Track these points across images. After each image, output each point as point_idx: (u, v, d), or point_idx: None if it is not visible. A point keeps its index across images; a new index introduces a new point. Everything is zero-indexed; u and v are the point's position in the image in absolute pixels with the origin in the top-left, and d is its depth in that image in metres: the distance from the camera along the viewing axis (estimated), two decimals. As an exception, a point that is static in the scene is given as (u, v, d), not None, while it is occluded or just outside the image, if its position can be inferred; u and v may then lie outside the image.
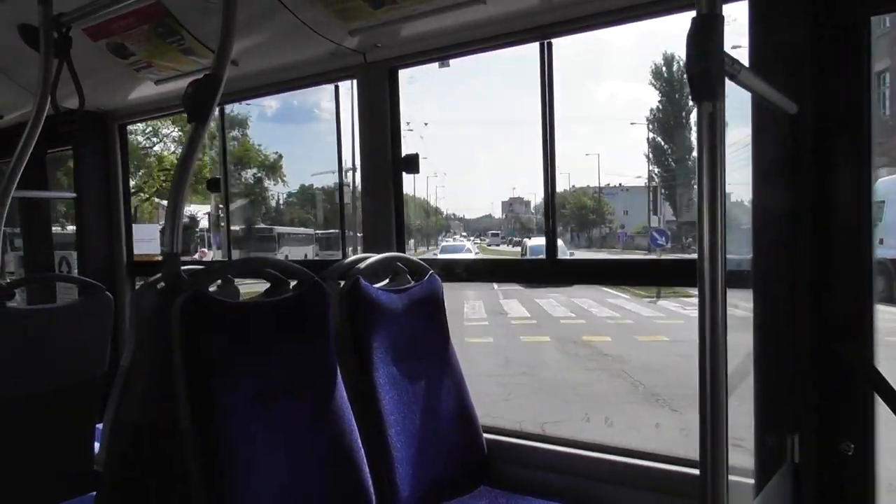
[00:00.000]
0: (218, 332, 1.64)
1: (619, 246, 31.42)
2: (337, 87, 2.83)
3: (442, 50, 2.48)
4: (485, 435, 2.31)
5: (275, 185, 25.90)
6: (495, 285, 16.88)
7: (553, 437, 2.29)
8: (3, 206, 2.55)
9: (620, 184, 35.75)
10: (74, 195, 3.61)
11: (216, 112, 1.84)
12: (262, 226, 25.14)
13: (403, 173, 2.65)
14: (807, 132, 1.66)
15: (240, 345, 1.68)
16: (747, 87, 1.38)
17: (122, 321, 3.43)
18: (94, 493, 2.17)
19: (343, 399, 1.88)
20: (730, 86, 1.20)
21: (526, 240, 28.16)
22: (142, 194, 19.74)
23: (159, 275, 2.70)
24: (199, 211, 23.02)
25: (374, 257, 2.25)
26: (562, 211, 34.96)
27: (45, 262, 4.20)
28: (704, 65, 1.11)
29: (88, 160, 3.61)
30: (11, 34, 2.55)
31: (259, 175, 25.04)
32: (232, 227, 22.86)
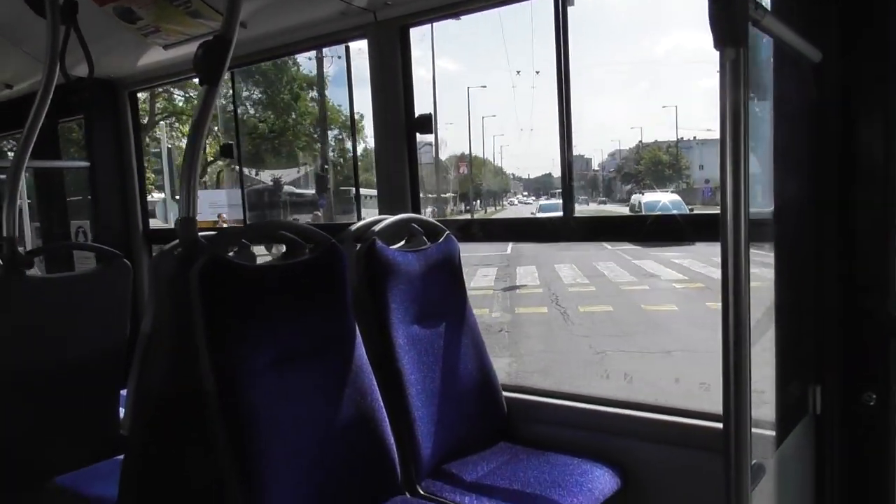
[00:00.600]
0: (237, 296, 1.65)
1: (699, 201, 27.99)
2: (347, 48, 2.79)
3: (454, 6, 2.44)
4: (504, 393, 2.33)
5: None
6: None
7: (573, 394, 2.30)
8: (18, 176, 2.55)
9: (695, 137, 33.37)
10: (87, 164, 3.61)
11: (227, 76, 1.82)
12: (343, 188, 24.13)
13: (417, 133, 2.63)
14: (832, 82, 1.62)
15: (259, 308, 1.68)
16: (770, 34, 1.34)
17: (141, 289, 3.46)
18: (121, 456, 2.21)
19: (363, 360, 1.89)
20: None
21: (639, 196, 25.08)
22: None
23: (176, 241, 2.73)
24: (284, 175, 22.99)
25: (390, 219, 2.24)
26: (636, 167, 33.96)
27: (61, 231, 4.23)
28: (728, 9, 1.08)
29: (100, 129, 3.60)
30: (17, 1, 2.52)
31: (340, 136, 24.08)
32: (308, 191, 22.70)
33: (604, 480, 1.99)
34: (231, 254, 1.82)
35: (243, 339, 1.63)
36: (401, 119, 2.60)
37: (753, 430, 1.25)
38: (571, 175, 2.33)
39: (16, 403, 2.42)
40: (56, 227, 4.16)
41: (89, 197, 3.75)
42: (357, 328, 1.91)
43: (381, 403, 1.89)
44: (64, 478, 2.11)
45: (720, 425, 1.92)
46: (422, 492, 1.96)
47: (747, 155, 1.14)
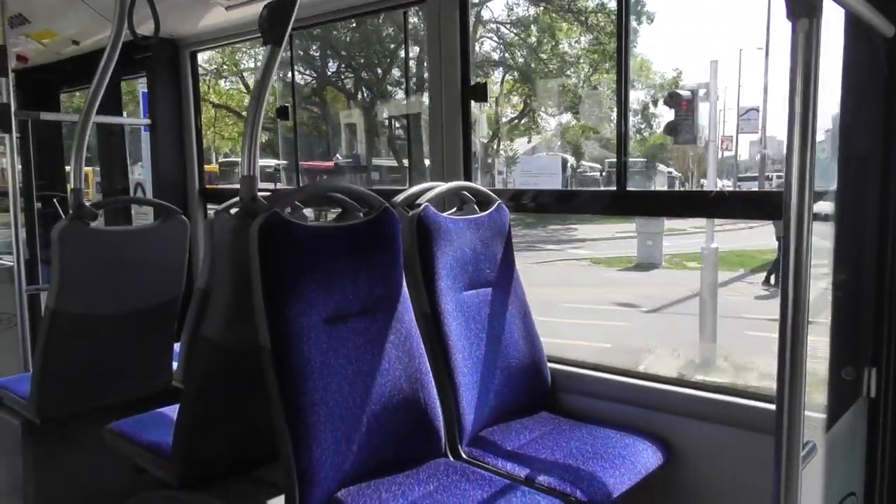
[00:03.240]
0: (293, 254, 1.68)
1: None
2: (406, 14, 2.78)
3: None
4: (549, 365, 2.34)
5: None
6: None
7: (618, 369, 2.30)
8: (85, 131, 2.64)
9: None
10: (149, 122, 3.70)
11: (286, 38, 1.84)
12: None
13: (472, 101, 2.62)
14: None
15: (314, 267, 1.72)
16: (843, 5, 1.30)
17: (196, 245, 3.55)
18: (174, 405, 2.30)
19: (412, 324, 1.92)
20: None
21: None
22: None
23: (233, 200, 2.79)
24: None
25: (443, 186, 2.25)
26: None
27: (121, 186, 4.36)
28: None
29: (161, 87, 3.68)
30: None
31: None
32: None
33: (647, 455, 1.99)
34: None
35: (298, 297, 1.66)
36: (456, 86, 2.59)
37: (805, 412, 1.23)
38: (627, 150, 2.30)
39: (78, 348, 2.53)
40: (116, 183, 4.30)
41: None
42: (406, 292, 1.93)
43: (428, 367, 1.92)
44: (120, 423, 2.20)
45: (770, 406, 1.91)
46: (464, 455, 1.99)
47: (815, 133, 1.11)
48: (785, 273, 1.14)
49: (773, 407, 1.89)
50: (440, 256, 2.09)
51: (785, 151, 1.12)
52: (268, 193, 1.99)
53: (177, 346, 2.83)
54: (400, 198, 2.16)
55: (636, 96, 18.15)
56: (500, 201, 2.34)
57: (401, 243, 1.93)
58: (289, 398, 1.61)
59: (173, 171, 3.72)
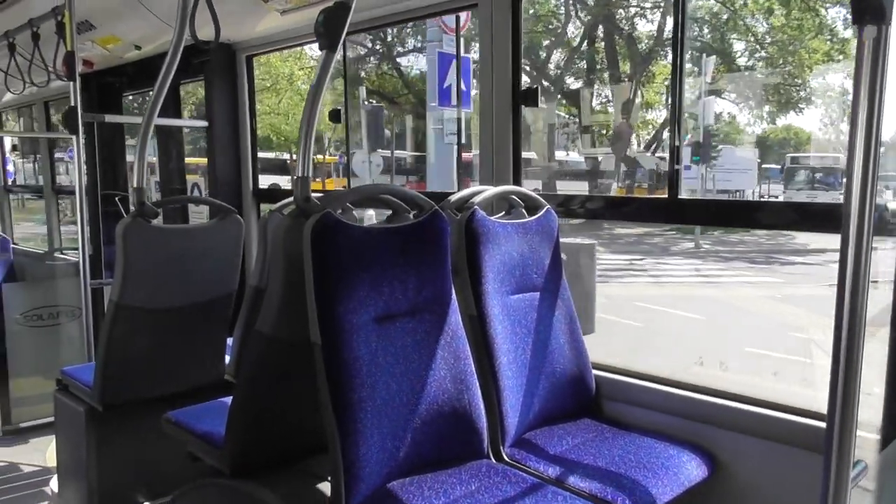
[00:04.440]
0: (345, 253, 1.72)
1: None
2: (458, 18, 2.80)
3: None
4: (594, 371, 2.33)
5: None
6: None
7: (664, 378, 2.28)
8: (148, 132, 2.74)
9: None
10: (206, 124, 3.82)
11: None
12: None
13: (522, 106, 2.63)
14: None
15: (365, 266, 1.75)
16: None
17: (250, 243, 3.65)
18: (227, 398, 2.37)
19: (458, 326, 1.94)
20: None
21: None
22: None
23: (286, 200, 2.86)
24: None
25: (492, 190, 2.26)
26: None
27: (179, 186, 4.50)
28: None
29: (219, 91, 3.79)
30: None
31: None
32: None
33: (691, 467, 1.97)
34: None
35: (349, 295, 1.70)
36: (507, 90, 2.61)
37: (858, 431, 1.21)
38: (680, 156, 2.28)
39: (138, 340, 2.63)
40: (175, 183, 4.44)
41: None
42: (454, 294, 1.95)
43: (473, 368, 1.94)
44: (176, 412, 2.28)
45: (821, 423, 1.86)
46: (506, 458, 2.00)
47: (879, 144, 1.09)
48: (841, 285, 1.13)
49: (824, 425, 1.86)
50: (488, 260, 2.11)
51: (846, 161, 1.11)
52: (320, 194, 2.04)
53: (230, 341, 2.92)
54: (449, 201, 2.19)
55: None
56: (548, 206, 2.34)
57: (449, 246, 1.96)
58: (337, 393, 1.64)
59: (228, 171, 3.83)
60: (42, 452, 4.06)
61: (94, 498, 2.78)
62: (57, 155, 6.09)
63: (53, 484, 3.17)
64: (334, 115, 3.54)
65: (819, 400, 1.58)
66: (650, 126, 18.91)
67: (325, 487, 1.91)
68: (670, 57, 2.22)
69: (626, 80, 17.83)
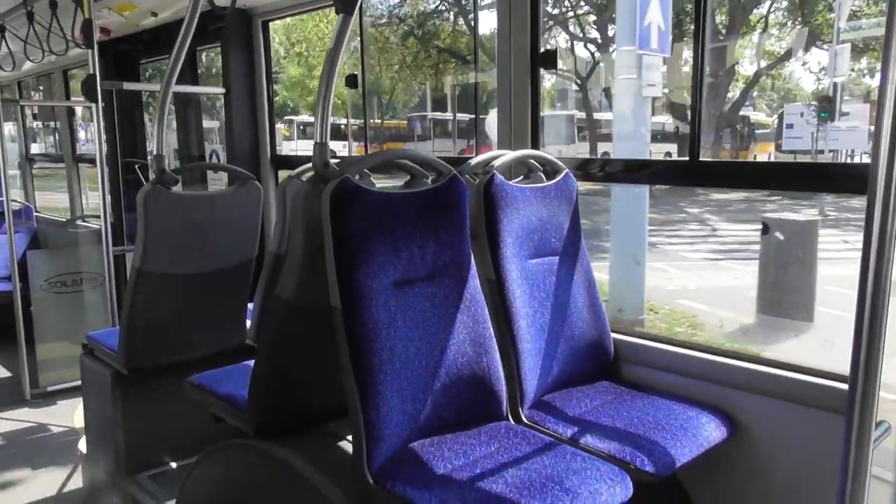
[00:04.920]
0: (364, 219, 1.73)
1: None
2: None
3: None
4: (612, 335, 2.34)
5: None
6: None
7: (682, 341, 2.28)
8: (166, 99, 2.75)
9: None
10: (223, 91, 3.82)
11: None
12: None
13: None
14: None
15: (383, 232, 1.76)
16: None
17: (268, 210, 3.67)
18: (249, 361, 2.41)
19: (477, 290, 1.95)
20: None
21: None
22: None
23: (304, 167, 2.87)
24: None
25: (510, 154, 2.26)
26: None
27: (198, 154, 4.52)
28: None
29: (235, 57, 3.78)
30: None
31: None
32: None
33: (710, 428, 1.98)
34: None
35: (368, 260, 1.71)
36: (526, 53, 2.58)
37: (882, 393, 1.21)
38: (700, 118, 2.25)
39: (160, 305, 2.68)
40: (193, 150, 4.46)
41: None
42: (472, 258, 1.96)
43: (492, 332, 1.95)
44: (199, 376, 2.32)
45: (842, 385, 1.86)
46: (525, 420, 2.03)
47: None
48: (867, 244, 1.12)
49: (845, 386, 1.85)
50: (506, 224, 2.11)
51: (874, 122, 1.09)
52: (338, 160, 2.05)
53: (250, 307, 2.96)
54: (468, 165, 2.18)
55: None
56: (567, 170, 2.33)
57: (467, 210, 1.96)
58: (357, 357, 1.67)
59: (246, 138, 3.84)
60: (69, 415, 4.17)
61: (122, 458, 2.85)
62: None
63: (82, 445, 3.26)
64: (351, 81, 3.53)
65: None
66: (740, 82, 17.96)
67: (347, 448, 1.95)
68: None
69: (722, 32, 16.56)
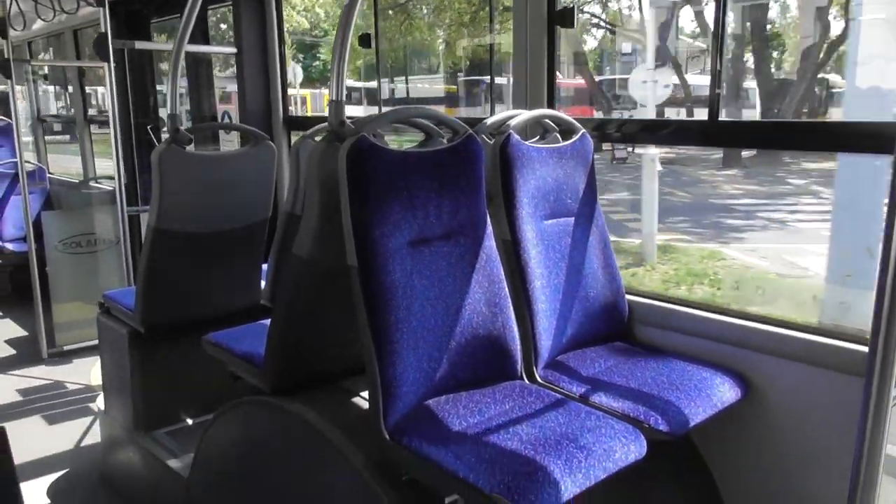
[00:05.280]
0: (380, 177, 1.72)
1: None
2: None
3: None
4: (627, 296, 2.34)
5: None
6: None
7: (697, 303, 2.28)
8: (179, 59, 2.73)
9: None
10: (235, 50, 3.78)
11: None
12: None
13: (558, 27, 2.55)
14: None
15: (399, 191, 1.75)
16: None
17: (281, 170, 3.66)
18: (261, 321, 2.43)
19: (492, 250, 1.94)
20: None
21: None
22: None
23: (318, 126, 2.85)
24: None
25: (527, 113, 2.23)
26: None
27: (209, 113, 4.51)
28: None
29: (247, 16, 3.74)
30: None
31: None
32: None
33: (724, 389, 1.98)
34: None
35: (384, 219, 1.71)
36: (542, 10, 2.53)
37: None
38: (720, 76, 2.22)
39: (176, 264, 2.69)
40: (206, 111, 4.44)
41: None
42: (488, 218, 1.95)
43: (507, 292, 1.95)
44: (216, 334, 2.35)
45: (859, 347, 1.86)
46: (539, 379, 2.04)
47: None
48: (892, 205, 1.10)
49: (862, 348, 1.85)
50: (522, 184, 2.09)
51: None
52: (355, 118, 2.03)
53: (264, 267, 2.97)
54: (484, 125, 2.16)
55: None
56: (584, 131, 2.30)
57: (483, 170, 1.95)
58: (374, 315, 1.67)
59: (258, 99, 3.81)
60: (86, 372, 4.24)
61: (140, 415, 2.90)
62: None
63: (99, 402, 3.31)
64: (364, 40, 3.48)
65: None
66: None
67: (363, 405, 1.97)
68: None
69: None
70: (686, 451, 2.20)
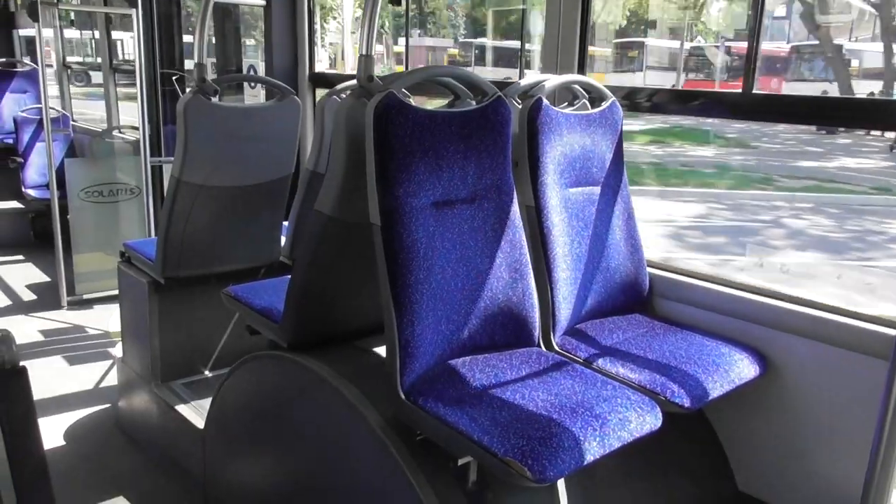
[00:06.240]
0: (407, 135, 1.70)
1: None
2: None
3: None
4: (648, 269, 2.32)
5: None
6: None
7: (719, 278, 2.25)
8: (207, 8, 2.70)
9: None
10: (264, 3, 3.74)
11: None
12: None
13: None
14: None
15: (426, 150, 1.73)
16: None
17: (304, 127, 3.64)
18: (280, 277, 2.43)
19: (515, 214, 1.92)
20: None
21: None
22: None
23: (345, 84, 2.82)
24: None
25: (557, 79, 2.19)
26: None
27: (235, 66, 4.48)
28: None
29: None
30: None
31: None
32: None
33: (742, 365, 1.97)
34: None
35: (409, 178, 1.69)
36: None
37: None
38: (757, 52, 2.16)
39: (198, 216, 2.70)
40: (231, 64, 4.41)
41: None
42: (513, 183, 1.93)
43: (528, 258, 1.94)
44: (235, 287, 2.36)
45: (884, 329, 1.83)
46: (556, 347, 2.03)
47: None
48: None
49: (888, 331, 1.82)
50: (549, 150, 2.06)
51: None
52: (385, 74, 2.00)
53: (285, 224, 2.97)
54: (512, 88, 2.13)
55: None
56: (614, 98, 2.26)
57: (510, 134, 1.92)
58: (395, 274, 1.67)
59: (285, 54, 3.77)
60: (104, 320, 4.30)
61: (157, 364, 2.94)
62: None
63: (117, 350, 3.36)
64: None
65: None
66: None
67: (380, 364, 1.98)
68: None
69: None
70: (700, 425, 2.20)
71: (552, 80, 2.16)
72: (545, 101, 2.06)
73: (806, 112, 2.20)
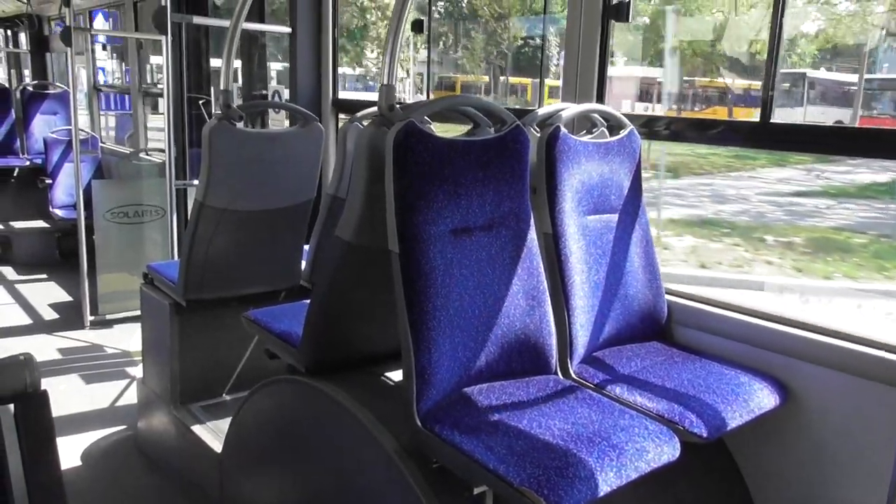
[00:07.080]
0: (426, 163, 1.72)
1: None
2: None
3: None
4: (667, 297, 2.31)
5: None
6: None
7: (738, 306, 2.23)
8: (235, 35, 2.76)
9: None
10: (289, 30, 3.81)
11: None
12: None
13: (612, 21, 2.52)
14: None
15: (444, 178, 1.75)
16: None
17: (327, 153, 3.69)
18: (300, 301, 2.46)
19: (533, 243, 1.94)
20: None
21: None
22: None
23: (367, 111, 2.87)
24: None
25: (575, 107, 2.21)
26: None
27: (260, 92, 4.56)
28: None
29: None
30: None
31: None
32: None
33: (762, 395, 1.95)
34: None
35: (428, 205, 1.71)
36: (596, 3, 2.50)
37: None
38: (775, 80, 2.16)
39: (220, 240, 2.74)
40: (257, 89, 4.49)
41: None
42: (531, 210, 1.94)
43: (545, 286, 1.95)
44: (255, 311, 2.38)
45: None
46: (574, 375, 2.03)
47: None
48: None
49: None
50: (567, 178, 2.08)
51: None
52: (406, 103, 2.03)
53: (306, 248, 3.01)
54: (530, 116, 2.15)
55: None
56: (632, 127, 2.27)
57: (529, 162, 1.94)
58: (412, 301, 1.68)
59: (309, 80, 3.84)
60: (125, 340, 4.36)
61: (177, 385, 2.97)
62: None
63: (138, 370, 3.40)
64: (417, 25, 3.47)
65: None
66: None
67: (397, 390, 1.98)
68: None
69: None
70: (719, 455, 2.17)
71: (570, 109, 2.18)
72: (563, 130, 2.08)
73: (822, 141, 2.19)
